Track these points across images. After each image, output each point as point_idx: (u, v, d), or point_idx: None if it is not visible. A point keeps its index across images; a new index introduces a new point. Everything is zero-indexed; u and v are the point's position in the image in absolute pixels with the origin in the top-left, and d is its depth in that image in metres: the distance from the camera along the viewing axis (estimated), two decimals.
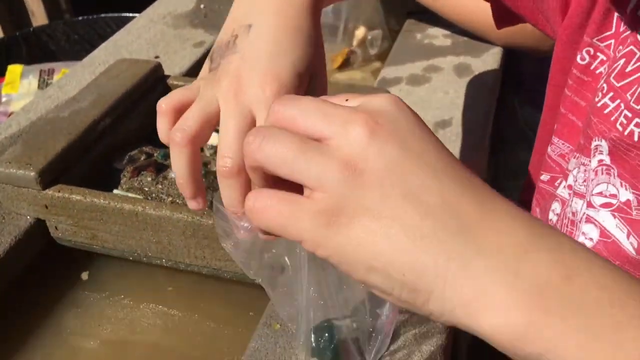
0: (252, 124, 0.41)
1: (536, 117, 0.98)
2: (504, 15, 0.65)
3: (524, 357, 0.26)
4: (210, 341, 0.57)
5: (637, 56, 0.45)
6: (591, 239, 0.47)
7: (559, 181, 0.55)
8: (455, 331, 0.53)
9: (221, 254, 0.58)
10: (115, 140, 0.71)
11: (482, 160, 0.75)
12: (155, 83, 0.78)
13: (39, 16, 1.74)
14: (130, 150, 0.71)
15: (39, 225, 0.63)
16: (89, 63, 0.90)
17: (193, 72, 0.89)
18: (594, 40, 0.50)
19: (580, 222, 0.48)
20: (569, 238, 0.28)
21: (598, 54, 0.50)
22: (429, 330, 0.50)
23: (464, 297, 0.26)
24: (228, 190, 0.40)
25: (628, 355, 0.24)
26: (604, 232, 0.46)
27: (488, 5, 0.66)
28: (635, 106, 0.44)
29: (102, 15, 1.47)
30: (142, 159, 0.70)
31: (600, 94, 0.47)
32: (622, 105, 0.45)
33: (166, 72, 0.81)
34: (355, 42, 0.98)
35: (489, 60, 0.88)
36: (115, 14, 1.46)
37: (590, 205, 0.47)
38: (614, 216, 0.46)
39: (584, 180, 0.48)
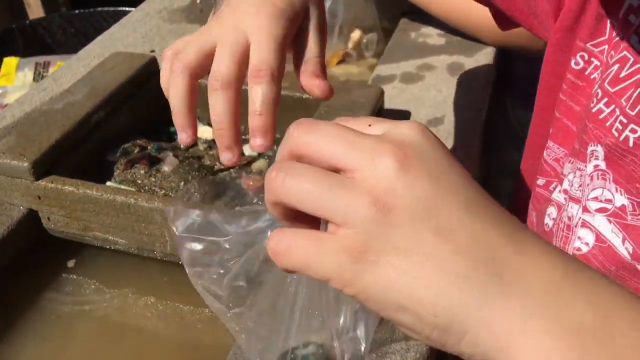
0: (247, 48, 0.42)
1: (528, 117, 0.99)
2: (504, 18, 0.66)
3: None
4: (204, 330, 0.58)
5: (630, 62, 0.45)
6: (587, 244, 0.47)
7: (553, 185, 0.55)
8: None
9: None
10: (109, 133, 0.72)
11: (474, 159, 0.76)
12: (149, 76, 0.78)
13: (35, 8, 1.74)
14: (123, 142, 0.71)
15: (32, 216, 0.63)
16: (84, 56, 0.91)
17: None
18: (588, 45, 0.50)
19: (576, 226, 0.48)
20: (596, 273, 0.27)
21: (592, 59, 0.50)
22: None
23: (500, 338, 0.25)
24: (218, 103, 0.41)
25: None
26: (599, 237, 0.46)
27: (479, 5, 0.67)
28: (630, 112, 0.44)
29: (99, 9, 1.47)
30: (135, 151, 0.71)
31: (595, 100, 0.47)
32: (617, 110, 0.45)
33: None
34: (350, 44, 0.99)
35: (482, 59, 0.89)
36: (112, 8, 1.46)
37: (585, 210, 0.47)
38: (610, 221, 0.46)
39: (580, 185, 0.48)
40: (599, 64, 0.49)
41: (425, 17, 0.98)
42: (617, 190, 0.45)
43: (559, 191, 0.53)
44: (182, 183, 0.67)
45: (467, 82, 0.84)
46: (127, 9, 1.43)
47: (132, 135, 0.73)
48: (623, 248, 0.45)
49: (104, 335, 0.58)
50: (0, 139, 0.63)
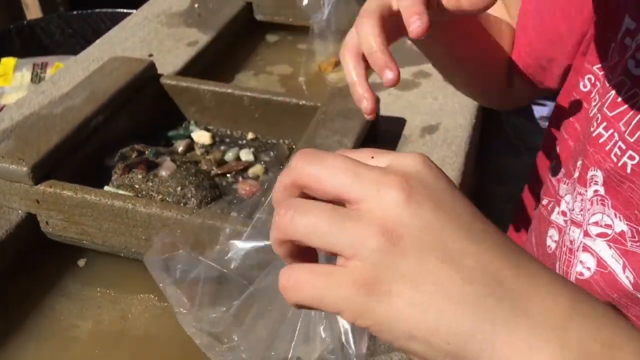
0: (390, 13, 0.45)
1: (522, 123, 0.99)
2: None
3: None
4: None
5: (627, 86, 0.45)
6: (589, 268, 0.48)
7: (551, 205, 0.56)
8: None
9: (208, 252, 0.59)
10: (108, 137, 0.72)
11: (469, 166, 0.77)
12: (148, 81, 0.79)
13: (33, 9, 1.74)
14: (122, 147, 0.72)
15: (30, 220, 0.64)
16: (82, 59, 0.91)
17: (186, 70, 0.90)
18: (594, 67, 0.51)
19: (577, 250, 0.48)
20: (598, 300, 0.28)
21: (597, 82, 0.51)
22: None
23: None
24: (366, 28, 0.43)
25: None
26: (600, 262, 0.47)
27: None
28: (629, 138, 0.44)
29: (97, 10, 1.47)
30: (133, 156, 0.71)
31: (595, 124, 0.48)
32: (615, 135, 0.46)
33: (159, 71, 0.82)
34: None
35: None
36: (110, 10, 1.46)
37: (586, 234, 0.48)
38: (610, 246, 0.46)
39: (581, 210, 0.49)
40: (600, 86, 0.50)
41: None
42: (616, 216, 0.46)
43: (558, 213, 0.53)
44: (179, 188, 0.68)
45: None
46: (125, 10, 1.44)
47: (130, 140, 0.73)
48: (624, 276, 0.45)
49: (104, 338, 0.59)
50: None
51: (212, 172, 0.74)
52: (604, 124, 0.47)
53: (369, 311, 0.26)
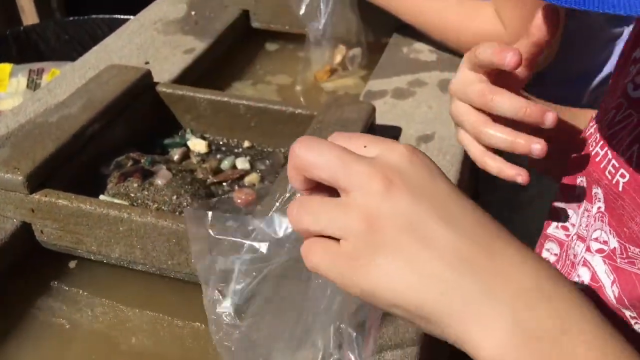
0: None
1: None
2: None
3: None
4: (194, 343, 0.59)
5: (624, 107, 0.46)
6: (582, 282, 0.49)
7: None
8: (432, 343, 0.55)
9: None
10: (104, 146, 0.72)
11: (464, 174, 0.77)
12: (144, 90, 0.79)
13: (29, 14, 1.74)
14: (118, 155, 0.72)
15: (25, 229, 0.63)
16: (79, 67, 0.91)
17: (183, 78, 0.90)
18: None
19: (578, 264, 0.50)
20: (568, 286, 0.31)
21: (602, 104, 0.51)
22: (403, 341, 0.51)
23: (471, 334, 0.29)
24: (504, 100, 0.45)
25: None
26: (594, 277, 0.48)
27: (470, 27, 0.65)
28: (622, 157, 0.45)
29: (93, 16, 1.48)
30: (129, 164, 0.71)
31: (594, 143, 0.49)
32: (609, 153, 0.46)
33: (156, 78, 0.82)
34: (337, 59, 1.01)
35: None
36: (106, 16, 1.47)
37: (588, 249, 0.49)
38: (605, 262, 0.47)
39: (587, 225, 0.50)
40: (603, 108, 0.51)
41: (417, 33, 1.00)
42: (610, 232, 0.47)
43: (556, 227, 0.54)
44: (175, 197, 0.68)
45: None
46: (121, 16, 1.44)
47: (126, 148, 0.73)
48: (610, 290, 0.47)
49: (98, 344, 0.59)
50: None
51: (208, 180, 0.74)
52: (601, 142, 0.48)
53: (353, 281, 0.31)
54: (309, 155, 0.32)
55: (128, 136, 0.76)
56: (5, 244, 0.62)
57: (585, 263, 0.49)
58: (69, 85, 0.85)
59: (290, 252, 0.42)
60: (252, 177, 0.76)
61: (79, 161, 0.69)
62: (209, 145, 0.80)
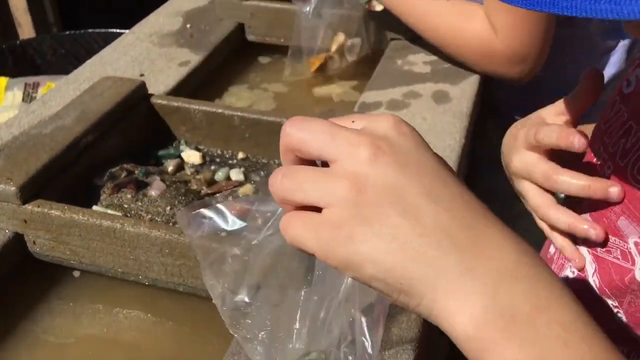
0: None
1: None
2: None
3: None
4: (194, 354, 0.58)
5: (616, 102, 0.47)
6: (573, 272, 0.50)
7: None
8: (431, 342, 0.54)
9: (197, 272, 0.59)
10: (98, 157, 0.72)
11: None
12: (138, 101, 0.79)
13: (26, 29, 1.75)
14: (112, 166, 0.72)
15: (18, 240, 0.63)
16: (73, 79, 0.91)
17: (178, 90, 0.90)
18: None
19: None
20: (548, 271, 0.31)
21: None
22: (402, 340, 0.51)
23: (448, 308, 0.30)
24: (571, 185, 0.46)
25: None
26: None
27: (467, 29, 0.65)
28: (610, 150, 0.46)
29: (89, 30, 1.48)
30: (122, 176, 0.71)
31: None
32: (601, 147, 0.47)
33: (151, 90, 0.82)
34: (333, 47, 0.99)
35: (467, 88, 0.91)
36: (102, 30, 1.47)
37: (575, 241, 0.50)
38: (589, 252, 0.48)
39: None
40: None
41: (412, 45, 1.00)
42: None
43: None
44: (169, 208, 0.68)
45: (452, 109, 0.86)
46: (117, 30, 1.45)
47: (121, 159, 0.73)
48: (592, 280, 0.48)
49: (92, 355, 0.58)
50: None
51: (202, 191, 0.74)
52: (596, 136, 0.49)
53: (334, 251, 0.31)
54: (300, 133, 0.32)
55: (123, 147, 0.76)
56: None
57: None
58: (63, 98, 0.85)
59: (274, 225, 0.42)
60: (247, 189, 0.75)
61: (72, 172, 0.69)
62: (203, 157, 0.80)
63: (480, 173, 1.05)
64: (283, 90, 1.00)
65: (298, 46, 0.98)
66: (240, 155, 0.81)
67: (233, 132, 0.79)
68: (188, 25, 1.07)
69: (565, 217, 0.47)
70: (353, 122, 0.33)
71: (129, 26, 1.09)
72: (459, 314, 0.29)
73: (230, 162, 0.81)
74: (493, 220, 0.31)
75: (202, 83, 0.97)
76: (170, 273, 0.60)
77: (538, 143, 0.47)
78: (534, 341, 0.29)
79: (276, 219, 0.41)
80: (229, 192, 0.75)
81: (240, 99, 0.98)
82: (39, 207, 0.61)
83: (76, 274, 0.65)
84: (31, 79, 1.32)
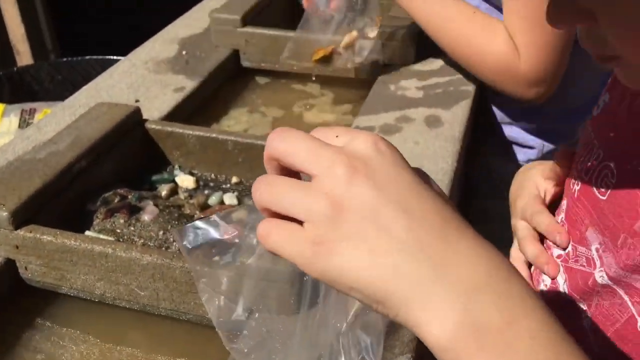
0: None
1: (506, 166, 1.01)
2: None
3: None
4: None
5: (602, 101, 0.51)
6: (546, 285, 0.53)
7: None
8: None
9: (189, 298, 0.59)
10: (91, 183, 0.72)
11: None
12: (133, 127, 0.79)
13: (24, 56, 1.76)
14: (106, 191, 0.72)
15: (9, 265, 0.63)
16: (69, 105, 0.92)
17: (172, 116, 0.91)
18: None
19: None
20: (521, 283, 0.32)
21: None
22: (400, 344, 0.51)
23: (421, 319, 0.31)
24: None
25: None
26: (553, 280, 0.52)
27: (500, 50, 0.67)
28: (575, 170, 0.50)
29: (87, 57, 1.50)
30: (115, 200, 0.71)
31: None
32: (593, 155, 0.49)
33: (145, 116, 0.83)
34: (343, 43, 0.99)
35: (459, 112, 0.92)
36: (99, 57, 1.49)
37: (552, 255, 0.53)
38: (561, 265, 0.51)
39: None
40: None
41: (404, 70, 1.02)
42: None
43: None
44: (162, 232, 0.68)
45: (444, 134, 0.87)
46: (114, 57, 1.46)
47: (115, 184, 0.73)
48: (562, 289, 0.50)
49: None
50: None
51: (195, 216, 0.74)
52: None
53: (314, 264, 0.32)
54: (283, 145, 0.34)
55: (117, 173, 0.76)
56: None
57: None
58: (58, 123, 0.86)
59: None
60: (240, 214, 0.75)
61: (66, 198, 0.69)
62: (197, 181, 0.80)
63: (479, 196, 1.05)
64: (279, 114, 1.01)
65: (304, 36, 0.96)
66: (234, 179, 0.81)
67: (227, 156, 0.80)
68: (184, 52, 1.09)
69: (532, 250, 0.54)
70: (337, 136, 0.34)
71: (125, 53, 1.10)
72: (432, 325, 0.31)
73: (223, 186, 0.81)
74: (467, 232, 0.33)
75: (197, 108, 0.98)
76: (162, 298, 0.60)
77: (530, 222, 0.55)
78: (503, 352, 0.30)
79: None
80: (222, 215, 0.75)
81: (239, 122, 0.99)
82: (31, 232, 0.61)
83: (68, 299, 0.65)
84: (28, 105, 1.33)
